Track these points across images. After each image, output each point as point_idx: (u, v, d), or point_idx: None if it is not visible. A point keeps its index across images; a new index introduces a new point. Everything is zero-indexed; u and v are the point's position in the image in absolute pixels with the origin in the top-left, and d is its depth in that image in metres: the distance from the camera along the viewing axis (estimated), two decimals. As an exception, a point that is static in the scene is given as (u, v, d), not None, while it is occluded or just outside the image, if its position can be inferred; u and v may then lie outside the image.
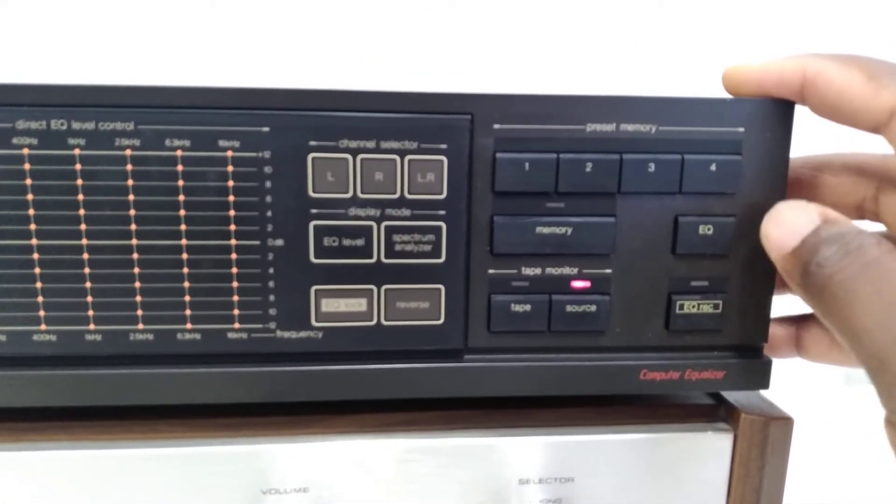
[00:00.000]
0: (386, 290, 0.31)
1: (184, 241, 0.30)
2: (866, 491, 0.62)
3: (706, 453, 0.34)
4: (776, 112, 0.32)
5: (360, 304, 0.32)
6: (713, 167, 0.32)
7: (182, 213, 0.30)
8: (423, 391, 0.33)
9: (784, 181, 0.32)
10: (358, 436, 0.33)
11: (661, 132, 0.31)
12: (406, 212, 0.31)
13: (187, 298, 0.31)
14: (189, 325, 0.31)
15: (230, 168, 0.30)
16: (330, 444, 0.33)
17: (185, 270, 0.31)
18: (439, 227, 0.31)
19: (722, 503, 0.35)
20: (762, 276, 0.33)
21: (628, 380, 0.33)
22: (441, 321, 0.32)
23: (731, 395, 0.36)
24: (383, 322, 0.32)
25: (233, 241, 0.30)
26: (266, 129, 0.30)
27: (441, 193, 0.31)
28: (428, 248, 0.31)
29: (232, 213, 0.30)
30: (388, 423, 0.34)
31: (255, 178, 0.30)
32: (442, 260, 0.31)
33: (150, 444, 0.32)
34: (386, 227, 0.31)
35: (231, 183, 0.30)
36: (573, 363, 0.33)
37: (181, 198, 0.30)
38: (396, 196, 0.31)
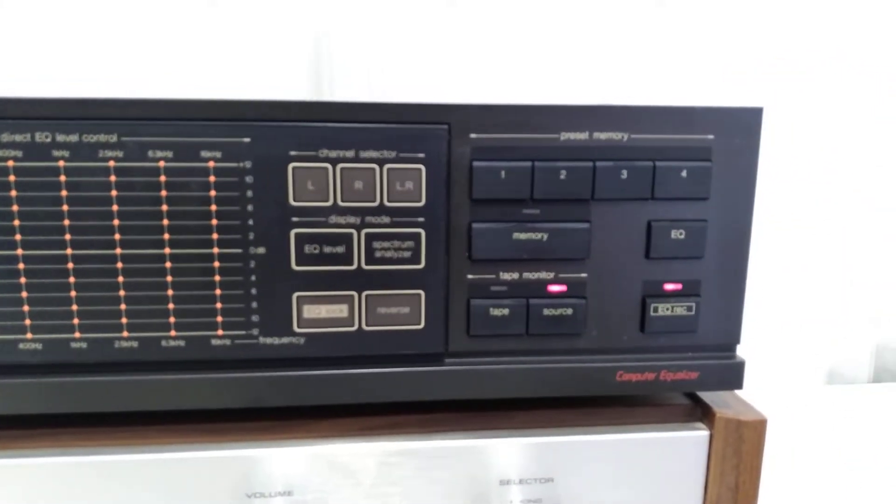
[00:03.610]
0: (367, 295, 0.32)
1: (167, 250, 0.31)
2: (844, 491, 0.62)
3: (683, 453, 0.35)
4: (745, 119, 0.32)
5: (341, 310, 0.32)
6: (684, 173, 0.32)
7: (165, 222, 0.31)
8: (404, 395, 0.33)
9: (753, 186, 0.33)
10: (340, 440, 0.34)
11: (633, 140, 0.32)
12: (386, 219, 0.32)
13: (171, 306, 0.31)
14: (173, 333, 0.32)
15: (212, 178, 0.31)
16: (313, 448, 0.33)
17: (169, 279, 0.31)
18: (418, 234, 0.32)
19: (699, 501, 0.35)
20: (734, 278, 0.34)
21: (605, 381, 0.34)
22: (421, 326, 0.33)
23: (707, 396, 0.37)
24: (364, 327, 0.32)
25: (215, 250, 0.31)
26: (247, 139, 0.30)
27: (420, 201, 0.32)
28: (408, 254, 0.32)
29: (214, 222, 0.31)
30: (369, 427, 0.34)
31: (236, 188, 0.31)
32: (421, 266, 0.32)
33: (134, 451, 0.32)
34: (366, 234, 0.32)
35: (213, 193, 0.31)
36: (551, 365, 0.34)
37: (164, 208, 0.31)
38: (376, 204, 0.31)
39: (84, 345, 0.31)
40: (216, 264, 0.31)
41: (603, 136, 0.32)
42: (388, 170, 0.31)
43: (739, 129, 0.33)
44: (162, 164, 0.30)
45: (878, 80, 0.78)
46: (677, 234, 0.33)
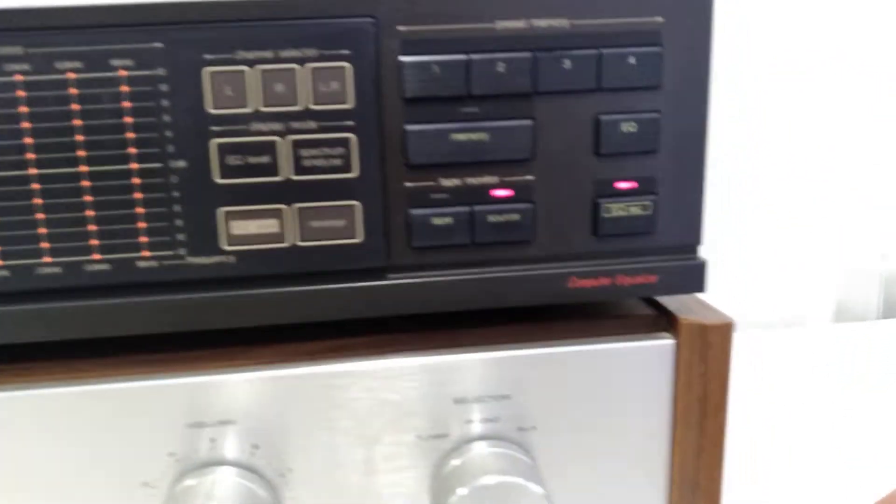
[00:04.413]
0: (298, 209, 0.30)
1: (83, 168, 0.29)
2: (847, 427, 0.61)
3: (647, 363, 0.33)
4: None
5: (271, 226, 0.30)
6: (632, 60, 0.30)
7: (79, 138, 0.29)
8: (345, 312, 0.32)
9: (707, 72, 0.31)
10: (284, 365, 0.32)
11: (575, 26, 0.30)
12: (312, 124, 0.30)
13: (92, 227, 0.30)
14: (96, 256, 0.30)
15: (125, 88, 0.29)
16: (255, 374, 0.32)
17: (88, 198, 0.29)
18: (348, 140, 0.30)
19: (667, 414, 0.34)
20: (692, 172, 0.31)
21: (557, 289, 0.32)
22: (360, 239, 0.31)
23: (672, 304, 0.34)
24: (298, 243, 0.31)
25: (133, 165, 0.29)
26: (159, 44, 0.29)
27: (348, 103, 0.30)
28: (339, 162, 0.30)
29: (130, 135, 0.29)
30: (314, 351, 0.32)
31: (151, 98, 0.29)
32: (355, 174, 0.30)
33: (68, 383, 0.31)
34: (292, 141, 0.30)
35: (127, 104, 0.29)
36: (500, 275, 0.32)
37: (77, 122, 0.29)
38: (300, 108, 0.29)
39: (7, 273, 0.30)
40: (135, 181, 0.29)
41: (542, 23, 0.30)
42: (311, 69, 0.29)
43: (690, 9, 0.30)
44: (71, 75, 0.28)
45: (875, 78, 0.77)
46: (628, 126, 0.31)
